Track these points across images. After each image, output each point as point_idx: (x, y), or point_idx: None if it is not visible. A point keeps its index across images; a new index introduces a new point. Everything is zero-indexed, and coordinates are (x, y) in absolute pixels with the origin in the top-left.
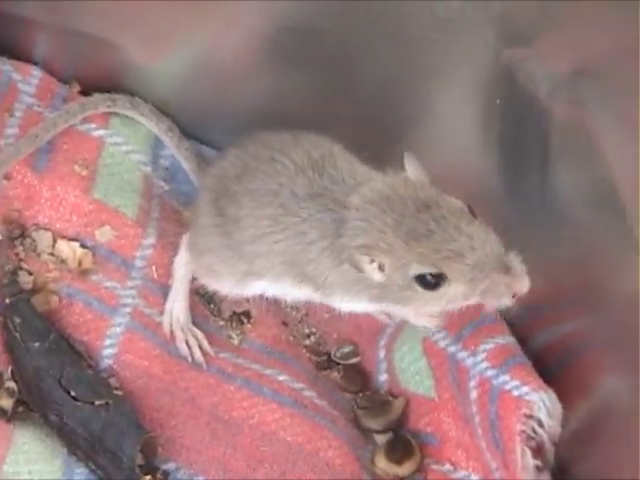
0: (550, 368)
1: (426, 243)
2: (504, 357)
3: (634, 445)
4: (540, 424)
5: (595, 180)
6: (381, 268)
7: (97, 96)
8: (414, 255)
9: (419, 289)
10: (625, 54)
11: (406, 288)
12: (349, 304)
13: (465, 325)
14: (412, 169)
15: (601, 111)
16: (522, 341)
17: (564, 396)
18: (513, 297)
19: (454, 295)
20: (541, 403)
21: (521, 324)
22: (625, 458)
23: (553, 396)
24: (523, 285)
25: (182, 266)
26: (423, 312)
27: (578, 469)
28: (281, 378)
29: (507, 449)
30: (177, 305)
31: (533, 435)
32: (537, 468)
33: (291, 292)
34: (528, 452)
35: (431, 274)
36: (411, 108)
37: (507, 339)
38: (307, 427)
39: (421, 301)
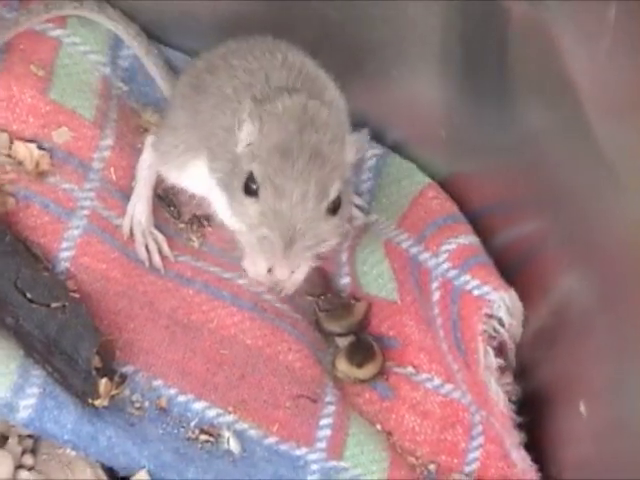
0: (511, 268)
1: (281, 164)
2: (466, 257)
3: (593, 343)
4: (501, 323)
5: (552, 80)
6: (249, 137)
7: None
8: (266, 160)
9: (241, 186)
10: None
11: (238, 178)
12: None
13: (427, 226)
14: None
15: (559, 9)
16: (483, 242)
17: (525, 295)
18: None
19: (248, 215)
20: (501, 302)
21: (482, 224)
22: (584, 357)
23: (514, 295)
24: (277, 273)
25: (145, 168)
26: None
27: (540, 370)
28: (241, 282)
29: (469, 349)
30: (139, 207)
31: (494, 335)
32: (499, 369)
33: (207, 185)
34: (490, 351)
35: (256, 183)
36: (371, 8)
37: (470, 239)
38: (267, 331)
39: (235, 200)
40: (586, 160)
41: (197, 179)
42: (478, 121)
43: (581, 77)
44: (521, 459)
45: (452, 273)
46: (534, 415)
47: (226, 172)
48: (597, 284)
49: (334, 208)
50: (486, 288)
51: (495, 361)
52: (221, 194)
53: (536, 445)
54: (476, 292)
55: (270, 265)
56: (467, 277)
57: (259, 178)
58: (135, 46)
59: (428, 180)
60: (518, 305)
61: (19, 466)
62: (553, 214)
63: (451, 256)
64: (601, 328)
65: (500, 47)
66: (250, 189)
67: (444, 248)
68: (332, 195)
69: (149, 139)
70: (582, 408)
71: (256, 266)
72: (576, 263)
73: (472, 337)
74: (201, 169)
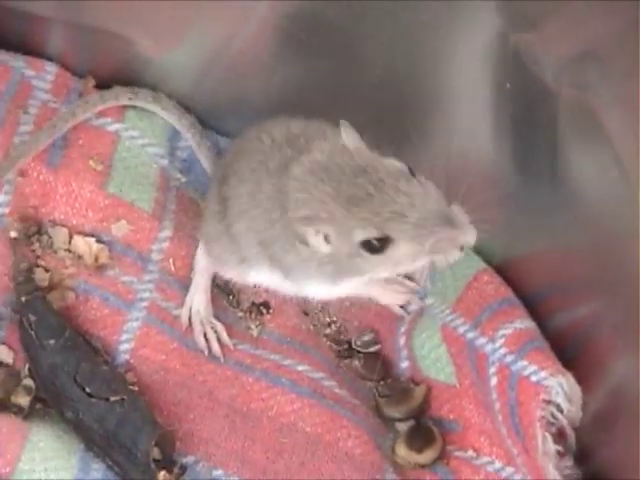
0: (568, 352)
1: (366, 207)
2: (522, 342)
3: None
4: (559, 409)
5: (603, 163)
6: (326, 239)
7: (118, 88)
8: (356, 221)
9: (367, 255)
10: (628, 36)
11: (355, 255)
12: (317, 289)
13: (483, 310)
14: (348, 137)
15: (605, 93)
16: (539, 325)
17: (583, 380)
18: (461, 249)
19: (403, 256)
20: (559, 388)
21: (537, 308)
22: None
23: (571, 380)
24: (468, 236)
25: (202, 258)
26: (387, 288)
27: (600, 453)
28: (300, 368)
29: (528, 435)
30: (197, 297)
31: (553, 420)
32: (559, 453)
33: (273, 282)
34: (549, 438)
35: (376, 238)
36: (422, 95)
37: (525, 323)
38: (326, 417)
39: (372, 267)
40: (635, 242)
41: (261, 280)
42: (532, 202)
43: (629, 160)
44: None
45: (509, 358)
46: None
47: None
48: None
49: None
50: (543, 374)
51: (554, 447)
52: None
53: None
54: (533, 378)
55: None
56: (524, 362)
57: (375, 233)
58: (189, 137)
59: (483, 264)
60: (576, 389)
61: None
62: (606, 296)
63: (507, 341)
64: None
65: (550, 129)
66: (375, 247)
67: (500, 333)
68: (401, 166)
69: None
70: None
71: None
72: (629, 347)
73: (530, 423)
74: (266, 274)
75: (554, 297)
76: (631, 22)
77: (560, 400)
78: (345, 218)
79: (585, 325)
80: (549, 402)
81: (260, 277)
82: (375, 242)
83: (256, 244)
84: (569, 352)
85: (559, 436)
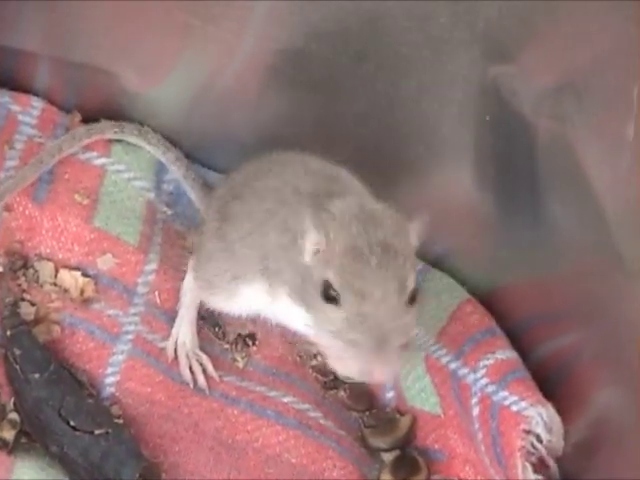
0: (550, 382)
1: (356, 267)
2: (503, 372)
3: (633, 459)
4: (539, 439)
5: (582, 196)
6: (316, 245)
7: (104, 122)
8: (340, 266)
9: (319, 294)
10: (605, 68)
11: (313, 287)
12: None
13: (466, 341)
14: (415, 230)
15: (582, 125)
16: (522, 355)
17: (565, 410)
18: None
19: (331, 322)
20: (539, 418)
21: (520, 338)
22: (626, 472)
23: (552, 410)
24: (376, 375)
25: (189, 290)
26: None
27: None
28: (286, 400)
29: (509, 465)
30: (183, 330)
31: (533, 450)
32: None
33: (262, 300)
34: (529, 467)
35: (335, 290)
36: (404, 126)
37: (507, 354)
38: (312, 448)
39: (313, 308)
40: (613, 274)
41: (249, 301)
42: (513, 234)
43: (605, 192)
44: None
45: (490, 388)
46: None
47: (296, 284)
48: (631, 398)
49: (412, 298)
50: (523, 404)
51: (534, 477)
52: (290, 305)
53: None
54: (514, 408)
55: (364, 369)
56: (505, 393)
57: (337, 285)
58: (174, 170)
59: (467, 295)
60: (556, 419)
61: None
62: (587, 328)
63: (489, 371)
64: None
65: (530, 161)
66: (329, 296)
67: (482, 363)
68: (410, 286)
69: (191, 263)
70: None
71: (348, 368)
72: (610, 378)
73: (511, 452)
74: (255, 292)
75: (536, 328)
76: (609, 53)
77: (540, 430)
78: (338, 254)
79: (567, 356)
80: (529, 432)
81: (249, 294)
82: (332, 292)
83: (257, 260)
84: (551, 382)
85: (541, 465)
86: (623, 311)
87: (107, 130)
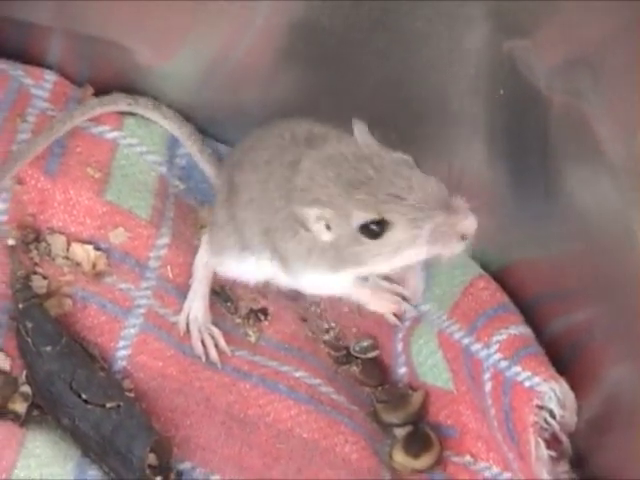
0: (563, 358)
1: (365, 189)
2: (516, 348)
3: None
4: (552, 414)
5: (595, 170)
6: (328, 227)
7: (117, 94)
8: (354, 203)
9: (366, 240)
10: (620, 43)
11: (355, 242)
12: (313, 281)
13: (478, 316)
14: (360, 134)
15: (596, 100)
16: (535, 331)
17: (578, 385)
18: (463, 239)
19: (401, 241)
20: (552, 393)
21: (533, 314)
22: (638, 447)
23: (565, 386)
24: (469, 223)
25: (202, 265)
26: (377, 295)
27: (596, 458)
28: (298, 374)
29: (522, 440)
30: (195, 304)
31: (546, 426)
32: (552, 459)
33: (272, 272)
34: (542, 443)
35: (374, 221)
36: (417, 101)
37: (520, 329)
38: (323, 423)
39: (371, 255)
40: (626, 250)
41: (259, 268)
42: (525, 210)
43: (621, 167)
44: None
45: (503, 364)
46: None
47: (311, 253)
48: None
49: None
50: (537, 379)
51: (546, 452)
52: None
53: None
54: (527, 383)
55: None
56: (518, 368)
57: (373, 215)
58: (189, 145)
59: (479, 271)
60: (570, 395)
61: None
62: (600, 304)
63: (502, 347)
64: None
65: (543, 136)
66: (374, 232)
67: (495, 339)
68: (406, 157)
69: (205, 237)
70: None
71: (384, 304)
72: (623, 353)
73: (524, 428)
74: (263, 260)
75: (549, 304)
76: (623, 28)
77: (553, 406)
78: (344, 201)
79: (580, 332)
80: (542, 408)
81: (260, 266)
82: (374, 226)
83: (259, 232)
84: (564, 358)
85: (554, 441)
86: (636, 288)
87: (120, 102)
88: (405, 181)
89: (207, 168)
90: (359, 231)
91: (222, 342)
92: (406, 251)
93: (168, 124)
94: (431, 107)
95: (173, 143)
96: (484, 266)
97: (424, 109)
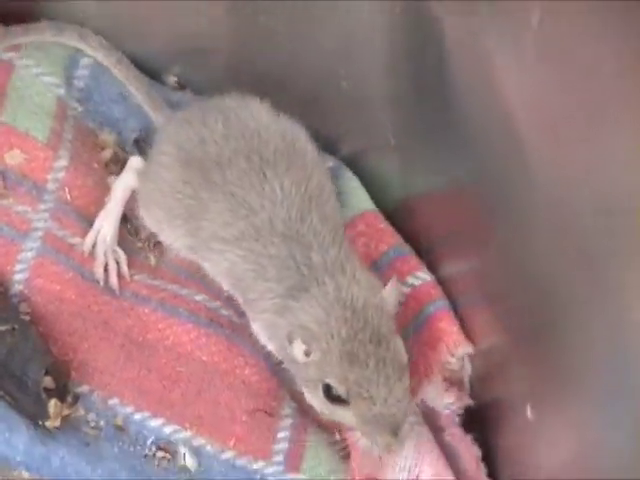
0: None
1: (356, 371)
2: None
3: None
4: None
5: (484, 89)
6: (307, 355)
7: (45, 23)
8: (339, 372)
9: (320, 393)
10: None
11: (312, 382)
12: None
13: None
14: (391, 293)
15: (489, 18)
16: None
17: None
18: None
19: (341, 417)
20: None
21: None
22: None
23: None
24: (395, 454)
25: (122, 187)
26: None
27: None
28: (198, 298)
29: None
30: (107, 224)
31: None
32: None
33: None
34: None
35: (338, 394)
36: (321, 34)
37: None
38: (223, 346)
39: (315, 399)
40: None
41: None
42: (425, 134)
43: (510, 87)
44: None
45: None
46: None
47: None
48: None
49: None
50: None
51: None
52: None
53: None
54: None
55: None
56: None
57: (342, 392)
58: (116, 73)
59: (372, 207)
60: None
61: None
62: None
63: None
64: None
65: (439, 58)
66: (335, 397)
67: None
68: (405, 362)
69: (134, 161)
70: (529, 412)
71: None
72: (515, 285)
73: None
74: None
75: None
76: None
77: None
78: (334, 362)
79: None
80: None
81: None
82: (334, 394)
83: (224, 268)
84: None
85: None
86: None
87: (47, 30)
88: (386, 392)
89: (137, 94)
90: (323, 385)
91: (125, 267)
92: (344, 421)
93: (93, 52)
94: (334, 41)
95: (71, 64)
96: (383, 198)
97: (327, 42)
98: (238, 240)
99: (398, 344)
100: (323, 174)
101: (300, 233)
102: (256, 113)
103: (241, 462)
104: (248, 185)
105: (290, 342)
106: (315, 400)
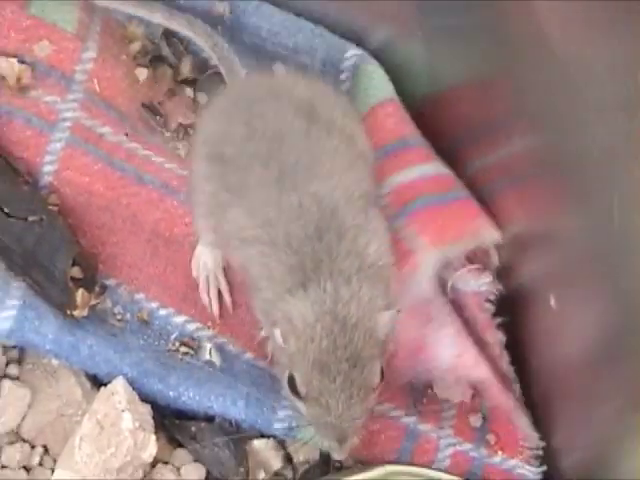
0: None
1: (322, 380)
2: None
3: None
4: None
5: None
6: (285, 342)
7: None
8: (306, 375)
9: (286, 380)
10: None
11: (282, 366)
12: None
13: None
14: (386, 320)
15: None
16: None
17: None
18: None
19: (297, 407)
20: None
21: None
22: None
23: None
24: (336, 455)
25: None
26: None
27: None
28: None
29: None
30: (205, 250)
31: None
32: (477, 270)
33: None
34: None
35: (299, 392)
36: None
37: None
38: None
39: (282, 380)
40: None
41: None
42: (452, 28)
43: None
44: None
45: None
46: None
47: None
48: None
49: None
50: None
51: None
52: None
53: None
54: None
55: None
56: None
57: (302, 391)
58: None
59: (392, 95)
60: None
61: (3, 376)
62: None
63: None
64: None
65: None
66: (295, 390)
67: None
68: (374, 385)
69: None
70: (552, 302)
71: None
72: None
73: None
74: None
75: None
76: None
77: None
78: (307, 366)
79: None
80: None
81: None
82: (297, 389)
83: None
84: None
85: (480, 253)
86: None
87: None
88: (344, 408)
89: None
90: (288, 377)
91: (227, 297)
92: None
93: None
94: None
95: None
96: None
97: None
98: (252, 241)
99: (374, 369)
100: (360, 169)
101: (315, 249)
102: (295, 104)
103: (262, 364)
104: (265, 196)
105: (273, 327)
106: (282, 381)
